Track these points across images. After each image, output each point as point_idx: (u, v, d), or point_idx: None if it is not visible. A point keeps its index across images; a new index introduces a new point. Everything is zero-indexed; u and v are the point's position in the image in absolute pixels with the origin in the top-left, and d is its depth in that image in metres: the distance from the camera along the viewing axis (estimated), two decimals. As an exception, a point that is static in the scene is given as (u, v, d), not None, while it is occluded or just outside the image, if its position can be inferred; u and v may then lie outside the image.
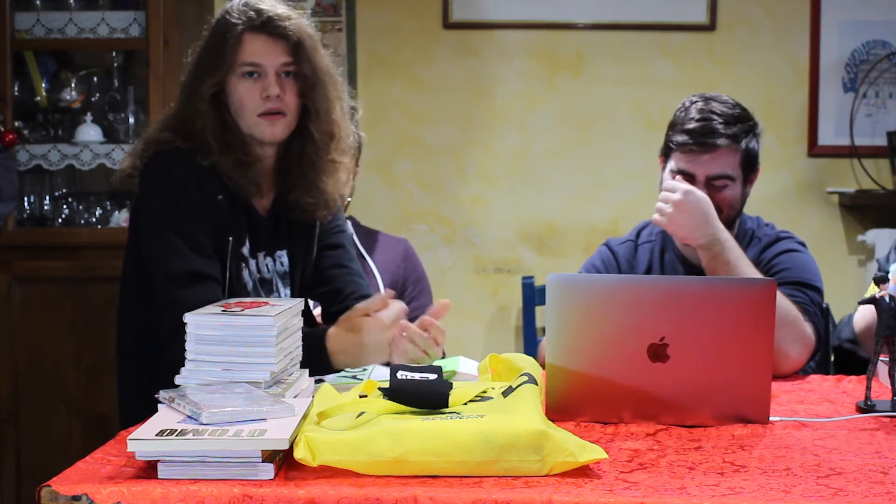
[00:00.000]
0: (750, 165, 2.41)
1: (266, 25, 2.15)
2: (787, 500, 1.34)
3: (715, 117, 2.35)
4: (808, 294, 2.34)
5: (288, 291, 2.31)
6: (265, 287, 2.26)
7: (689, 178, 2.37)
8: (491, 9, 3.91)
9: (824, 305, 2.44)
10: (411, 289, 3.05)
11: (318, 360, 2.01)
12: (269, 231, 2.27)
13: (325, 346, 2.05)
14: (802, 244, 2.47)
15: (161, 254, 2.09)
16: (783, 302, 2.20)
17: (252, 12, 2.15)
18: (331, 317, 2.39)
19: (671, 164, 2.40)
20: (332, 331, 2.07)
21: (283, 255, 2.31)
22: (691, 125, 2.35)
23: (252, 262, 2.23)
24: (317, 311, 2.46)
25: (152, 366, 2.03)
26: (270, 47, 2.15)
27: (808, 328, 2.25)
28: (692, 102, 2.41)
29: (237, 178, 2.16)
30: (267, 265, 2.26)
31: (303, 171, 2.24)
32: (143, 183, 2.17)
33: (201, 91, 2.15)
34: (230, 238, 2.15)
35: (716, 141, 2.34)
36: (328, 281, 2.37)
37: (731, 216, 2.42)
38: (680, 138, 2.36)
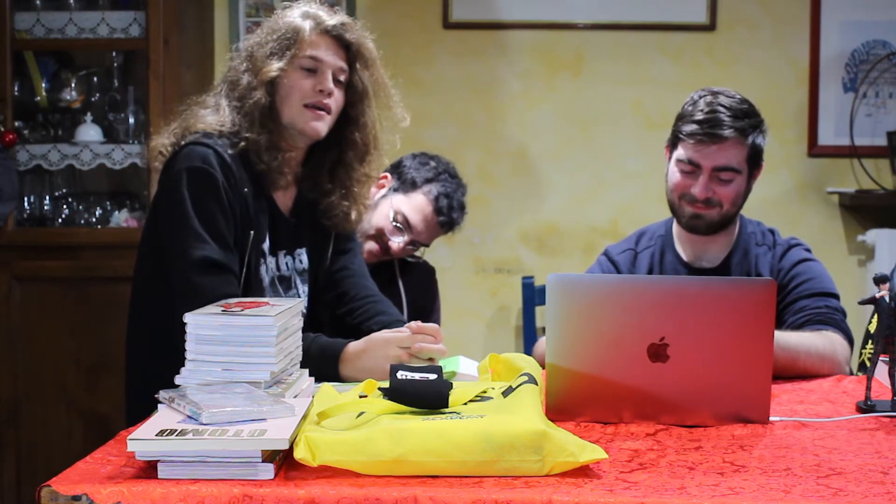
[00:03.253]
0: (755, 161, 2.45)
1: (334, 29, 2.24)
2: (787, 500, 1.34)
3: (723, 110, 2.39)
4: (832, 303, 2.38)
5: (306, 289, 2.34)
6: (284, 284, 2.27)
7: (695, 167, 2.40)
8: (491, 9, 3.91)
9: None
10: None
11: (329, 369, 2.02)
12: (291, 230, 2.29)
13: (339, 359, 2.05)
14: (809, 250, 2.52)
15: (182, 239, 2.09)
16: (804, 342, 2.22)
17: (322, 15, 2.24)
18: (337, 320, 2.40)
19: (678, 153, 2.44)
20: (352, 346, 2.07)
21: (302, 253, 2.33)
22: (700, 116, 2.40)
23: (271, 260, 2.24)
24: None
25: (163, 364, 2.02)
26: (334, 49, 2.24)
27: (836, 341, 2.27)
28: (700, 96, 2.44)
29: (268, 160, 2.19)
30: (286, 263, 2.29)
31: (338, 178, 2.31)
32: (170, 172, 2.16)
33: (262, 72, 2.18)
34: (251, 232, 2.16)
35: (723, 132, 2.37)
36: (335, 284, 2.41)
37: (732, 212, 2.44)
38: (689, 128, 2.40)
